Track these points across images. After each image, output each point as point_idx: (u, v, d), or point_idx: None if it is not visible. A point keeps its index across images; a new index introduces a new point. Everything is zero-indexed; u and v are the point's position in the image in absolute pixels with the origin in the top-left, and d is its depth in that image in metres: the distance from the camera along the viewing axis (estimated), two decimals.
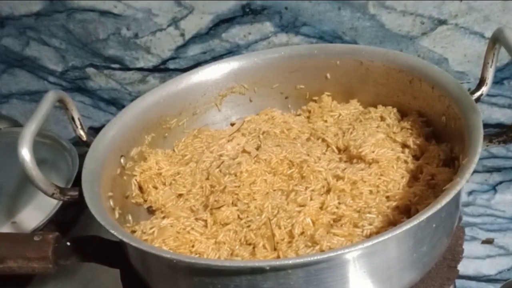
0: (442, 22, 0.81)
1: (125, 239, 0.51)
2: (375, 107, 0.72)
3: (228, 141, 0.74)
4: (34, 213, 0.78)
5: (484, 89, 0.63)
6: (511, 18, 0.78)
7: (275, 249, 0.58)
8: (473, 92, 0.63)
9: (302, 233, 0.58)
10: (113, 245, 0.59)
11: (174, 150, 0.74)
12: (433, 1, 0.79)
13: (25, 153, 0.55)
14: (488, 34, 0.80)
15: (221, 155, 0.71)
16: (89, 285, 0.77)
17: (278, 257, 0.57)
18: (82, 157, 0.64)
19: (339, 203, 0.60)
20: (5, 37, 1.02)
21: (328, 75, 0.75)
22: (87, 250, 0.60)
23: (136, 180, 0.69)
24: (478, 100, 0.62)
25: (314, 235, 0.56)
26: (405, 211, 0.58)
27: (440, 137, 0.65)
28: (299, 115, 0.78)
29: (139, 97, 0.73)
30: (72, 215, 0.82)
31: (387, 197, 0.60)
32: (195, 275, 0.51)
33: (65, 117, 1.07)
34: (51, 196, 0.60)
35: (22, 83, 1.08)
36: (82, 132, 0.68)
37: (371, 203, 0.59)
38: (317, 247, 0.54)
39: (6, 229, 0.76)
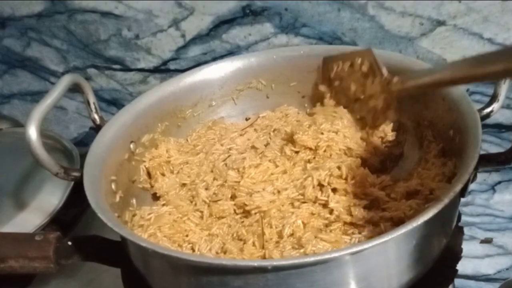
0: (441, 23, 0.81)
1: (109, 224, 0.51)
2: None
3: (240, 135, 0.75)
4: (36, 213, 0.78)
5: (495, 106, 0.62)
6: (510, 19, 0.78)
7: (263, 248, 0.58)
8: (483, 108, 0.62)
9: (291, 234, 0.58)
10: (114, 244, 0.59)
11: (187, 140, 0.75)
12: (432, 1, 0.79)
13: (32, 132, 0.56)
14: (487, 35, 0.80)
15: (230, 149, 0.72)
16: (90, 285, 0.77)
17: (264, 256, 0.57)
18: (83, 157, 0.65)
19: (332, 210, 0.60)
20: (6, 38, 1.02)
21: None
22: (88, 249, 0.60)
23: (145, 166, 0.70)
24: (487, 116, 0.62)
25: (301, 238, 0.56)
26: (399, 223, 0.56)
27: (448, 151, 0.64)
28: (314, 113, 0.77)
29: (156, 86, 0.74)
30: (73, 214, 0.82)
31: (383, 209, 0.59)
32: (189, 270, 0.51)
33: (66, 117, 1.08)
34: (56, 175, 0.60)
35: (24, 84, 1.08)
36: (96, 116, 0.69)
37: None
38: (302, 250, 0.55)
39: (7, 228, 0.76)
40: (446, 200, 0.48)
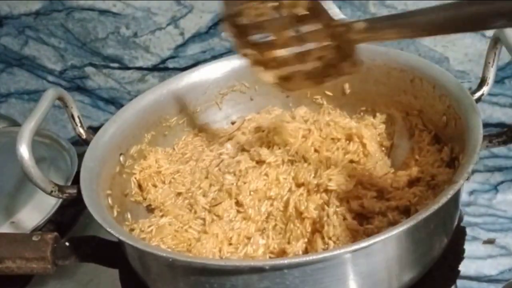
0: None
1: (122, 238, 0.51)
2: (377, 106, 0.72)
3: (228, 139, 0.74)
4: (33, 213, 0.78)
5: (485, 89, 0.63)
6: None
7: None
8: (474, 92, 0.63)
9: None
10: (112, 245, 0.59)
11: (174, 149, 0.74)
12: (434, 0, 0.79)
13: (24, 150, 0.55)
14: (489, 33, 0.79)
15: (220, 154, 0.71)
16: (88, 286, 0.76)
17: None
18: (81, 156, 0.64)
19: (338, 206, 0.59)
20: (4, 36, 1.02)
21: None
22: (86, 250, 0.59)
23: (135, 178, 0.68)
24: (479, 100, 0.62)
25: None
26: (405, 211, 0.57)
27: (441, 137, 0.65)
28: None
29: (140, 95, 0.73)
30: (71, 215, 0.82)
31: (387, 199, 0.59)
32: (192, 274, 0.50)
33: (64, 117, 1.08)
34: (50, 193, 0.59)
35: (21, 83, 1.07)
36: (81, 130, 0.68)
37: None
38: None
39: (4, 229, 0.76)
40: (461, 181, 0.49)
